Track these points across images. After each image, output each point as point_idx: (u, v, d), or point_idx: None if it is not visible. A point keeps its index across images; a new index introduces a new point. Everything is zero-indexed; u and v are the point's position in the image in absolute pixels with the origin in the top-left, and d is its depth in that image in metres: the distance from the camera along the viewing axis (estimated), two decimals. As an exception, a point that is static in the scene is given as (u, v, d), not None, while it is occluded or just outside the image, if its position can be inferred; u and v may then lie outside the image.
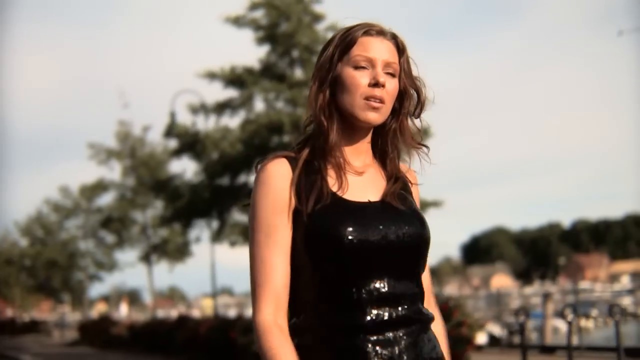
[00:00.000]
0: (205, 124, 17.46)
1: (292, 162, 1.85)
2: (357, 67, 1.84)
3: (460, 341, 12.57)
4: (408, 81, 1.91)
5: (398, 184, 1.93)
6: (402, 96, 1.91)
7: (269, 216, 1.79)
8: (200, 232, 20.26)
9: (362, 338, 1.75)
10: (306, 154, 1.86)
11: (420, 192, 2.02)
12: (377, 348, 1.75)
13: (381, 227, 1.80)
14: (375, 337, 1.75)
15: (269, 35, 16.89)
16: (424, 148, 1.95)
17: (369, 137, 1.93)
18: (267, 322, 1.74)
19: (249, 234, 1.84)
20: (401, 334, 1.78)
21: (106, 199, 26.99)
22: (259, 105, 17.10)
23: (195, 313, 43.85)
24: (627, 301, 57.41)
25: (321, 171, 1.84)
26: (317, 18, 17.65)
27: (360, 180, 1.89)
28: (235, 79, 16.82)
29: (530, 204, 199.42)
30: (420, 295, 1.86)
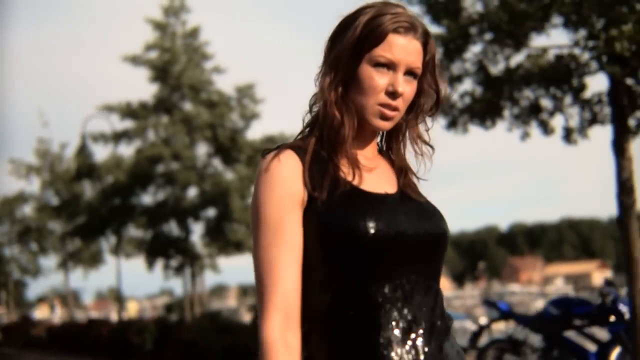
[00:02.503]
0: (105, 150, 19.98)
1: (300, 152, 1.69)
2: (376, 66, 1.68)
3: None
4: (429, 81, 1.77)
5: (408, 176, 1.81)
6: (419, 93, 1.77)
7: (278, 212, 1.62)
8: (99, 245, 22.75)
9: (385, 344, 1.59)
10: (314, 143, 1.72)
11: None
12: (402, 355, 1.60)
13: (404, 219, 1.66)
14: (399, 343, 1.60)
15: (161, 74, 19.36)
16: (429, 149, 1.83)
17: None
18: (272, 337, 1.54)
19: (252, 233, 1.66)
20: (427, 339, 1.63)
21: (27, 210, 29.34)
22: (152, 135, 19.59)
23: (125, 315, 45.75)
24: (540, 304, 60.32)
25: (332, 160, 1.70)
26: (206, 57, 20.23)
27: (373, 172, 1.74)
28: (131, 112, 19.33)
29: (468, 208, 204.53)
30: (441, 294, 1.72)
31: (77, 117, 39.71)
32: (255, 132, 32.04)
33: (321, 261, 1.62)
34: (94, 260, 26.77)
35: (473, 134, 10.89)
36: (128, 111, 19.28)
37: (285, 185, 1.64)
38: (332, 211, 1.61)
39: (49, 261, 33.59)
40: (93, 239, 21.70)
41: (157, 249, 19.74)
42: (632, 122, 8.94)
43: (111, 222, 19.70)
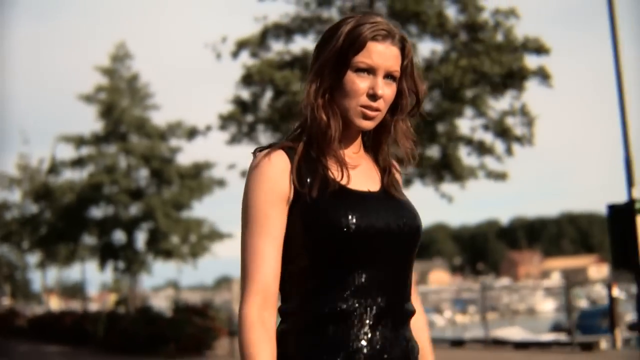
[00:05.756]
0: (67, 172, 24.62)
1: (290, 152, 1.83)
2: (358, 71, 1.83)
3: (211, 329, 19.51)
4: (408, 83, 1.91)
5: (391, 174, 1.95)
6: (400, 95, 1.91)
7: (264, 205, 1.77)
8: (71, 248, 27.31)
9: (355, 325, 1.75)
10: (303, 145, 1.86)
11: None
12: (369, 337, 1.75)
13: (383, 215, 1.82)
14: (367, 326, 1.76)
15: (107, 112, 23.62)
16: (413, 149, 1.95)
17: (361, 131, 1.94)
18: (251, 316, 1.71)
19: (241, 223, 1.81)
20: (391, 324, 1.80)
21: (10, 215, 33.50)
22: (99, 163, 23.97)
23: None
24: (513, 298, 62.75)
25: (321, 160, 1.84)
26: (146, 97, 24.51)
27: (358, 171, 1.89)
28: (83, 143, 23.72)
29: (470, 202, 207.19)
30: (410, 286, 1.88)
31: (52, 135, 44.28)
32: (185, 158, 36.69)
33: (306, 251, 1.78)
34: (68, 260, 30.85)
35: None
36: (81, 142, 23.61)
37: (273, 182, 1.78)
38: (320, 207, 1.77)
39: (35, 258, 37.94)
40: (54, 247, 26.24)
41: (107, 254, 24.13)
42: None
43: (68, 233, 24.07)
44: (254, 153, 1.86)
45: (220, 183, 23.47)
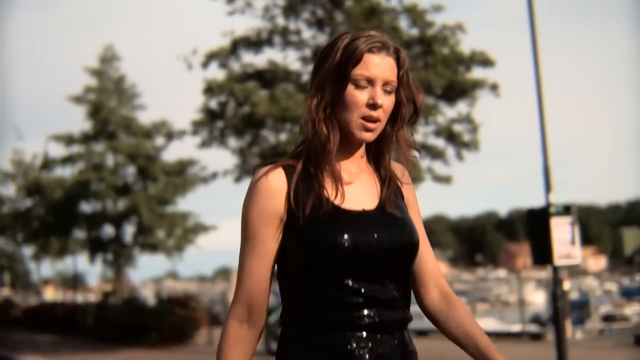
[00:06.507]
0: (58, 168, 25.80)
1: (288, 170, 1.89)
2: (357, 84, 1.87)
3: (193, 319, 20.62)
4: (405, 93, 1.95)
5: (391, 187, 1.98)
6: (398, 105, 1.94)
7: (257, 224, 1.86)
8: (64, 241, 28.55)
9: (351, 337, 1.82)
10: (302, 162, 1.90)
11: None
12: (365, 347, 1.83)
13: (376, 235, 1.85)
14: (364, 337, 1.83)
15: (95, 112, 24.69)
16: (416, 157, 2.02)
17: (363, 144, 1.97)
18: (231, 332, 1.86)
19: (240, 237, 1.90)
20: (388, 336, 1.86)
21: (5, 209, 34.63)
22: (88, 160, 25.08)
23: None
24: (503, 290, 63.41)
25: (318, 178, 1.88)
26: (133, 97, 25.58)
27: (355, 188, 1.92)
28: (72, 141, 24.80)
29: (469, 193, 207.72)
30: (406, 298, 1.94)
31: (44, 132, 45.31)
32: (170, 155, 37.88)
33: (301, 270, 1.86)
34: (61, 252, 31.93)
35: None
36: (70, 140, 24.72)
37: (268, 201, 1.85)
38: (314, 227, 1.82)
39: (30, 250, 39.04)
40: (47, 240, 27.46)
41: (96, 248, 25.28)
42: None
43: (58, 227, 25.20)
44: (253, 171, 1.94)
45: (205, 180, 24.33)
